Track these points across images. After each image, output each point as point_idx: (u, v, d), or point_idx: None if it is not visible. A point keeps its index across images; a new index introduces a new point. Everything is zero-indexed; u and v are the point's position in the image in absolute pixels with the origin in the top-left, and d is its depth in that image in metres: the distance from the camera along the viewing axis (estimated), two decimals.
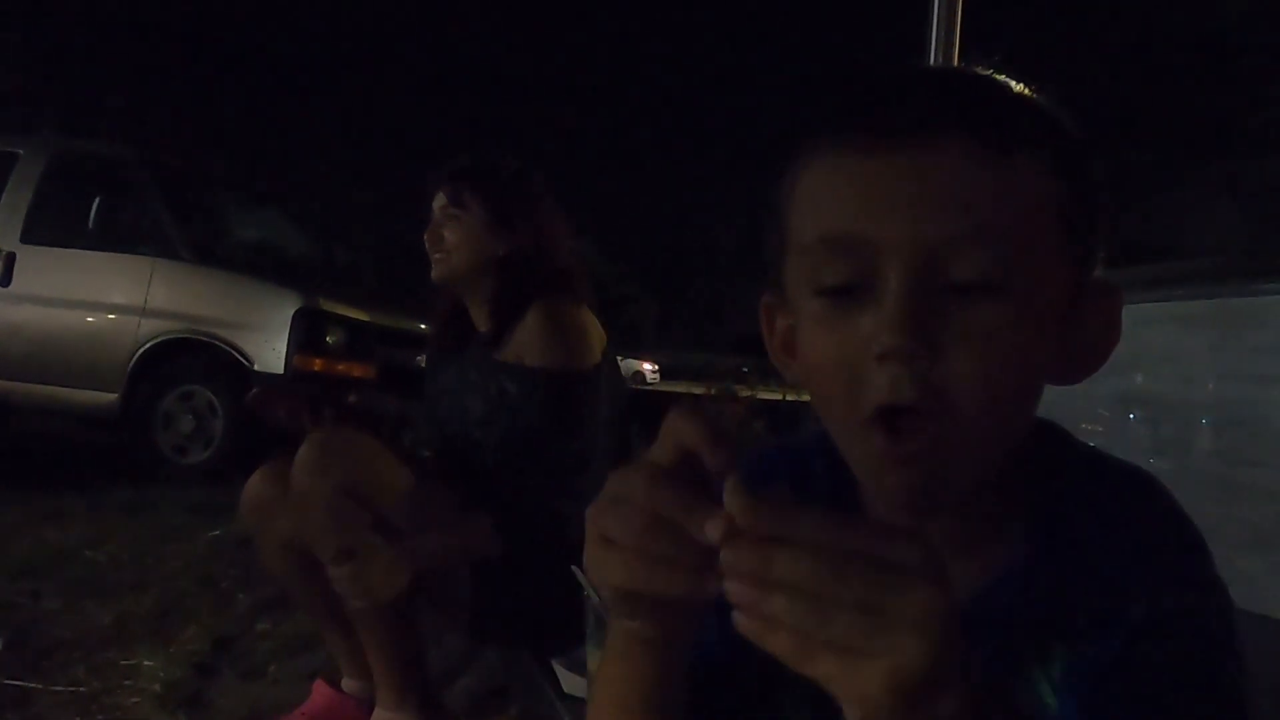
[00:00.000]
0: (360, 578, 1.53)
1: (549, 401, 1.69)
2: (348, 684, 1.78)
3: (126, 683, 2.00)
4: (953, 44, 1.53)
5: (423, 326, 5.65)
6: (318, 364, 4.91)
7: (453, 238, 1.79)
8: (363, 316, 5.24)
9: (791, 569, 0.39)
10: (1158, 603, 0.56)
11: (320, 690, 1.77)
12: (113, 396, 4.97)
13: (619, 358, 2.00)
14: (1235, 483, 2.14)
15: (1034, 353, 0.56)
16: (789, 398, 8.83)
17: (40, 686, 1.95)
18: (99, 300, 5.09)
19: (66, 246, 5.14)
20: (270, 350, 4.82)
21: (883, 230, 0.54)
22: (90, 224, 5.01)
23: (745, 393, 9.17)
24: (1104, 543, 0.59)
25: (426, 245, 1.82)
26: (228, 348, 4.88)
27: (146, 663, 2.10)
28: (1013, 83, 0.60)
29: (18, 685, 1.96)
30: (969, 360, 0.53)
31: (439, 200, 1.81)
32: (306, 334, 4.88)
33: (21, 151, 5.42)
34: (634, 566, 0.46)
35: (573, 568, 1.73)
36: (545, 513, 1.68)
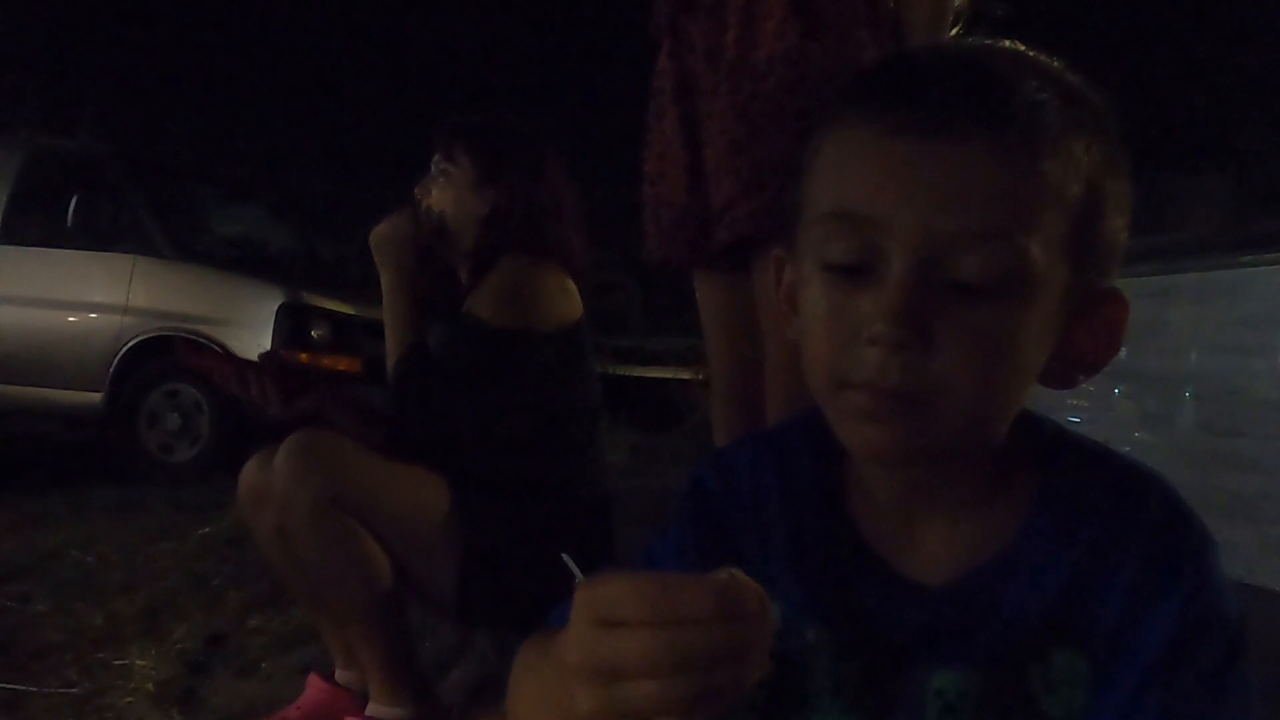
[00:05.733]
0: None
1: (482, 352, 1.67)
2: (342, 675, 1.78)
3: (119, 683, 1.99)
4: None
5: None
6: (303, 358, 4.88)
7: (438, 194, 1.80)
8: (348, 310, 5.21)
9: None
10: (1188, 608, 0.56)
11: (314, 684, 1.77)
12: (97, 396, 4.92)
13: None
14: (1219, 454, 2.16)
15: (1028, 355, 0.56)
16: None
17: (32, 689, 1.95)
18: (80, 299, 5.03)
19: (45, 246, 5.08)
20: (255, 346, 4.78)
21: (894, 215, 0.54)
22: (69, 222, 4.95)
23: None
24: (1116, 543, 0.59)
25: (416, 196, 1.83)
26: (212, 345, 4.84)
27: (139, 662, 2.09)
28: (1058, 75, 0.58)
29: (9, 689, 1.95)
30: (960, 356, 0.54)
31: (436, 155, 1.82)
32: (291, 329, 4.85)
33: None
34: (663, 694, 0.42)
35: (563, 555, 1.75)
36: (516, 488, 1.67)
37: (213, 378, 1.78)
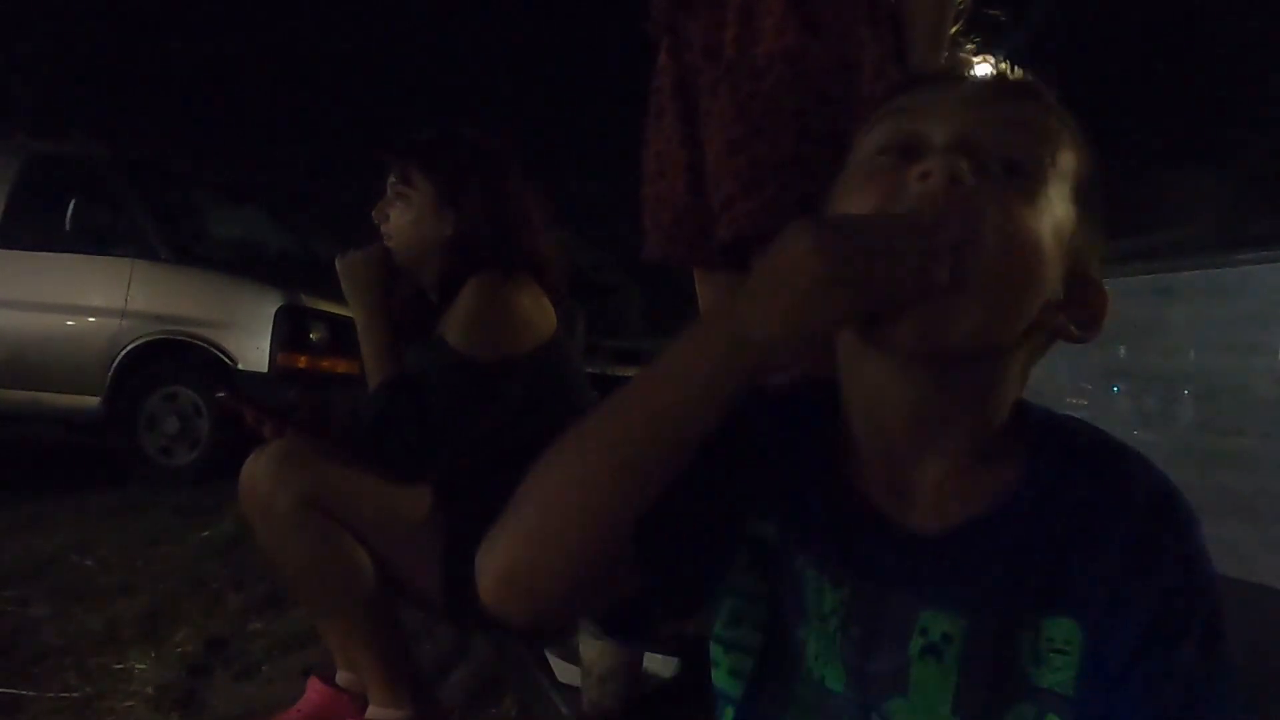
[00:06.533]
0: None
1: (461, 386, 1.63)
2: (342, 678, 1.78)
3: (119, 687, 1.99)
4: None
5: None
6: (301, 361, 4.87)
7: (398, 218, 1.75)
8: (346, 312, 5.20)
9: None
10: (1175, 582, 0.58)
11: (314, 687, 1.77)
12: (95, 400, 4.92)
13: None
14: (1219, 452, 2.16)
15: (1044, 253, 0.61)
16: None
17: (32, 693, 1.94)
18: (78, 303, 5.03)
19: (43, 250, 5.07)
20: (254, 349, 4.79)
21: (931, 127, 0.63)
22: (67, 226, 4.95)
23: None
24: (1104, 515, 0.60)
25: (375, 221, 1.78)
26: (211, 347, 4.83)
27: (138, 666, 2.09)
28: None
29: (9, 693, 1.95)
30: (994, 215, 0.58)
31: (391, 176, 1.76)
32: (290, 331, 4.84)
33: None
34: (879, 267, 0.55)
35: None
36: (501, 494, 1.66)
37: (245, 420, 1.77)
